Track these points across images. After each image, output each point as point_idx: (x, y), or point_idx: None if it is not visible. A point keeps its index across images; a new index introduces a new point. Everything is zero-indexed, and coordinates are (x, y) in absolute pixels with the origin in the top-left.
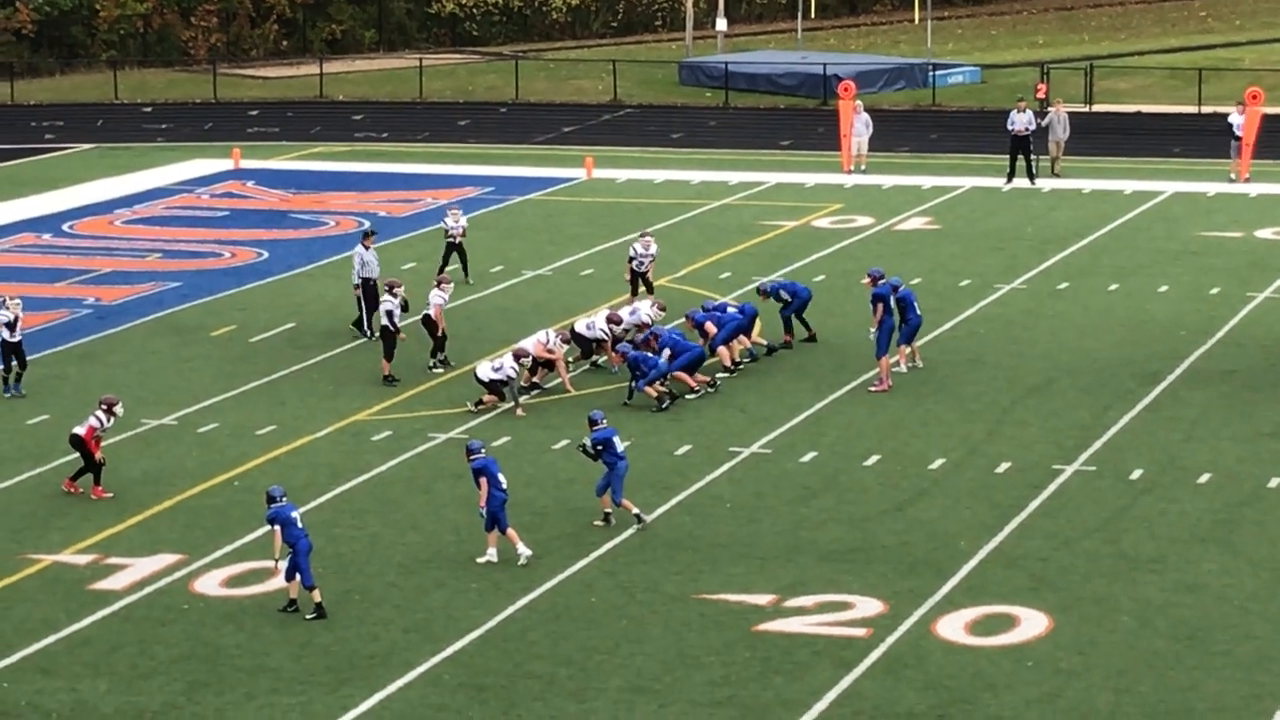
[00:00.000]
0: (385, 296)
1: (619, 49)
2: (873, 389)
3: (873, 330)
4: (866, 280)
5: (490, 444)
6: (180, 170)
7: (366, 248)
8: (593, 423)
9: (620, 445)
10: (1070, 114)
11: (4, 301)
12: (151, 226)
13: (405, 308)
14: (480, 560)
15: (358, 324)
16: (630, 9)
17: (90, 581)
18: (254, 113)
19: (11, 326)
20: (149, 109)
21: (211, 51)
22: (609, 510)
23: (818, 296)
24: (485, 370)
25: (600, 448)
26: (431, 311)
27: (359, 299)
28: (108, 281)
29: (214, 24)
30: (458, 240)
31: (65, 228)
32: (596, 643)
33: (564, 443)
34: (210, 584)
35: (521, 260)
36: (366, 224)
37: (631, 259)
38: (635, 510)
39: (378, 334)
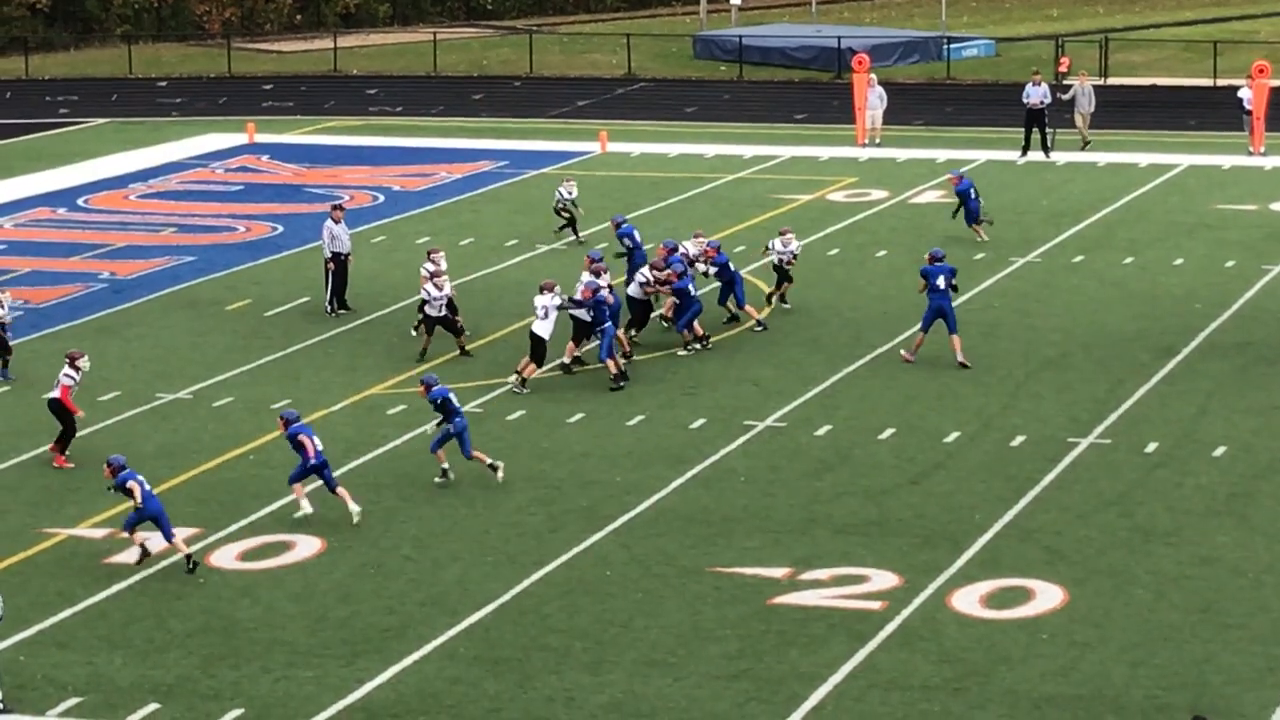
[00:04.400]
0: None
1: (633, 22)
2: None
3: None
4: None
5: (505, 418)
6: (195, 145)
7: (336, 221)
8: (427, 385)
9: (456, 401)
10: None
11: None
12: (166, 201)
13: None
14: (296, 515)
15: (333, 303)
16: None
17: (105, 555)
18: (268, 87)
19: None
20: (163, 84)
21: (226, 26)
22: (446, 465)
23: (832, 270)
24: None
25: (442, 403)
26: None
27: (327, 274)
28: (123, 256)
29: None
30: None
31: (80, 202)
32: (611, 616)
33: (579, 416)
34: (226, 557)
35: (535, 234)
36: (342, 198)
37: (768, 251)
38: (488, 460)
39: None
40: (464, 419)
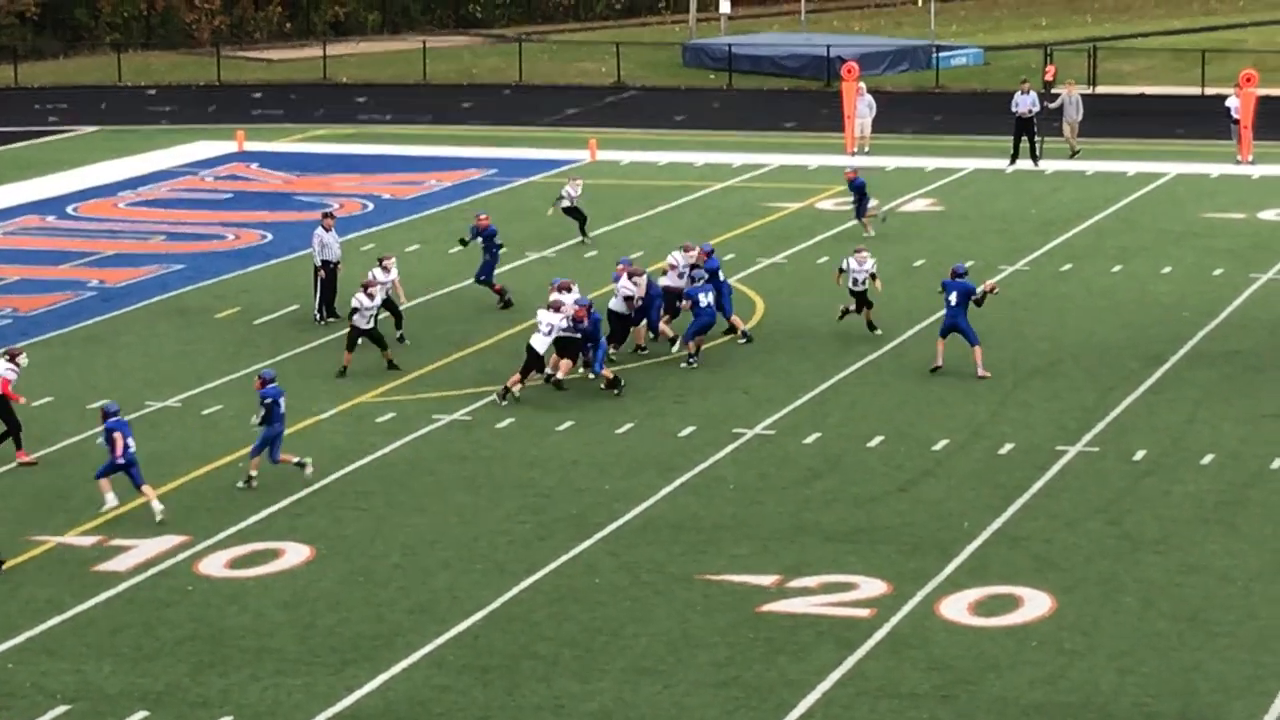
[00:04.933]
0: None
1: (623, 31)
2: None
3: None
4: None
5: (494, 426)
6: (184, 153)
7: (327, 229)
8: (264, 380)
9: (284, 408)
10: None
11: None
12: (155, 209)
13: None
14: (104, 509)
15: (322, 311)
16: None
17: (95, 563)
18: (258, 95)
19: None
20: (153, 92)
21: (215, 34)
22: (255, 473)
23: (821, 278)
24: (540, 341)
25: (271, 404)
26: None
27: (317, 282)
28: (112, 264)
29: (217, 6)
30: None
31: (69, 210)
32: (600, 624)
33: (568, 424)
34: (214, 565)
35: (525, 242)
36: (333, 205)
37: (843, 271)
38: (295, 460)
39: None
40: (283, 425)
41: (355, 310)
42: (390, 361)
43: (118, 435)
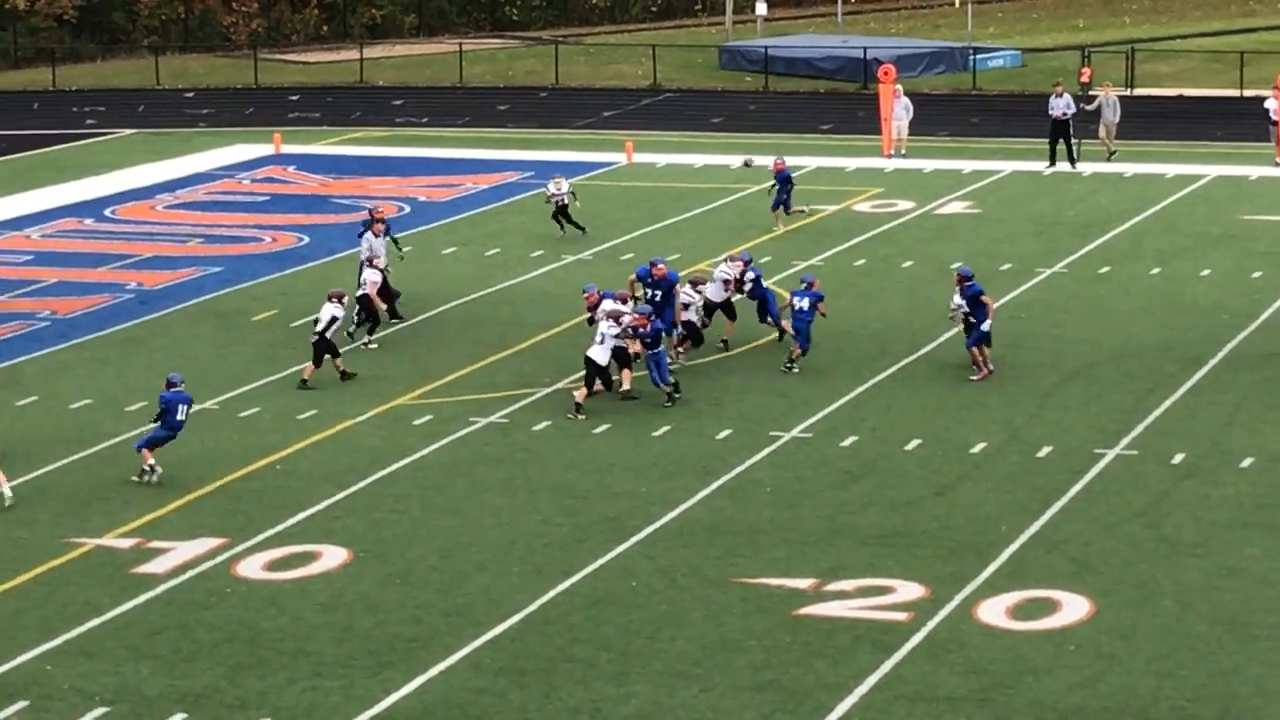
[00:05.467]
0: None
1: (659, 33)
2: (974, 379)
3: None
4: (956, 281)
5: (531, 428)
6: (221, 155)
7: (376, 234)
8: (170, 384)
9: (181, 415)
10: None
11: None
12: (193, 211)
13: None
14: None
15: (390, 311)
16: None
17: (133, 565)
18: (294, 98)
19: None
20: (190, 94)
21: (252, 37)
22: (152, 462)
23: (859, 281)
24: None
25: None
26: (369, 290)
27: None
28: (149, 266)
29: (254, 9)
30: (564, 204)
31: (107, 213)
32: (637, 627)
33: (605, 427)
34: (252, 567)
35: (561, 245)
36: (378, 208)
37: (957, 309)
38: (148, 464)
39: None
40: (173, 433)
41: (334, 320)
42: (343, 372)
43: (182, 408)
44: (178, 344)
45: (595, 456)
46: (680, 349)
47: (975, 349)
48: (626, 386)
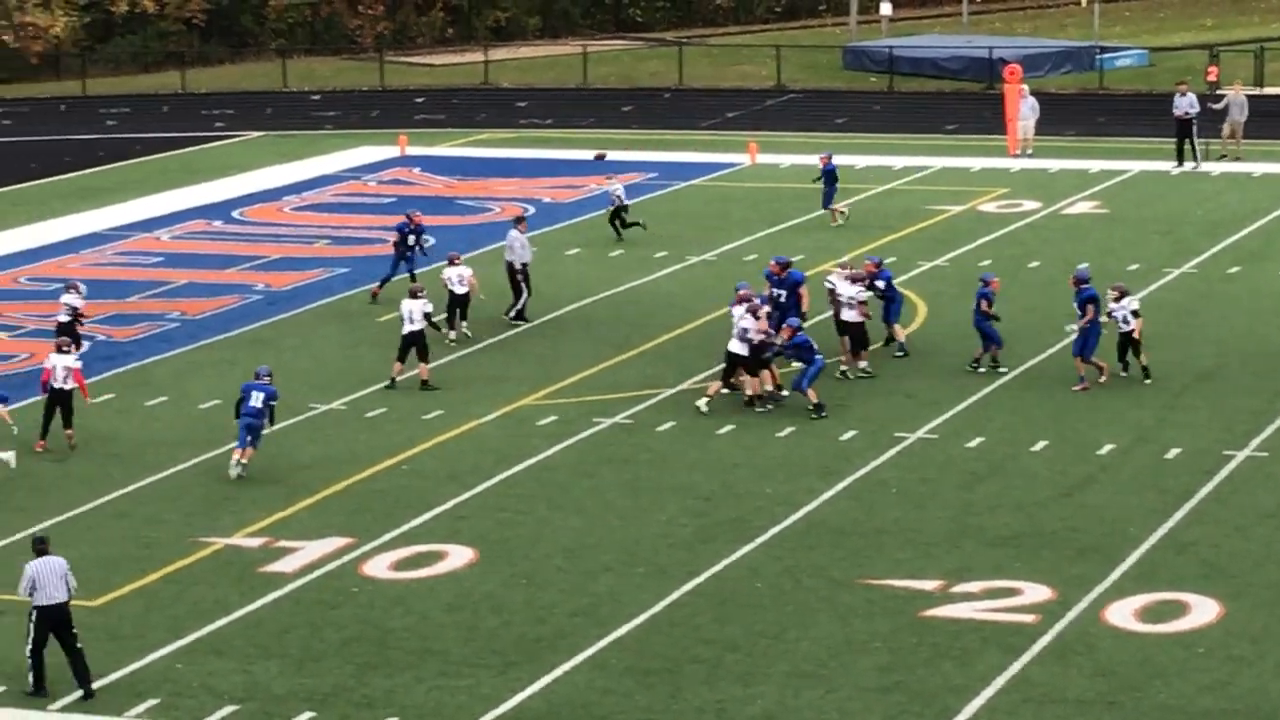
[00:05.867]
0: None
1: (783, 34)
2: (1075, 389)
3: (1072, 327)
4: (1072, 283)
5: (655, 429)
6: (347, 157)
7: (521, 232)
8: (256, 375)
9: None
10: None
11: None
12: (319, 213)
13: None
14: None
15: (517, 312)
16: None
17: (261, 564)
18: (420, 100)
19: (76, 310)
20: (317, 97)
21: (378, 39)
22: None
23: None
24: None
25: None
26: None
27: (514, 282)
28: (277, 268)
29: (381, 12)
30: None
31: (235, 214)
32: (762, 628)
33: (729, 428)
34: (379, 567)
35: (686, 246)
36: (528, 209)
37: (1110, 317)
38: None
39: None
40: (252, 420)
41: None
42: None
43: (256, 394)
44: (305, 345)
45: (720, 457)
46: (848, 358)
47: (1082, 358)
48: (749, 393)
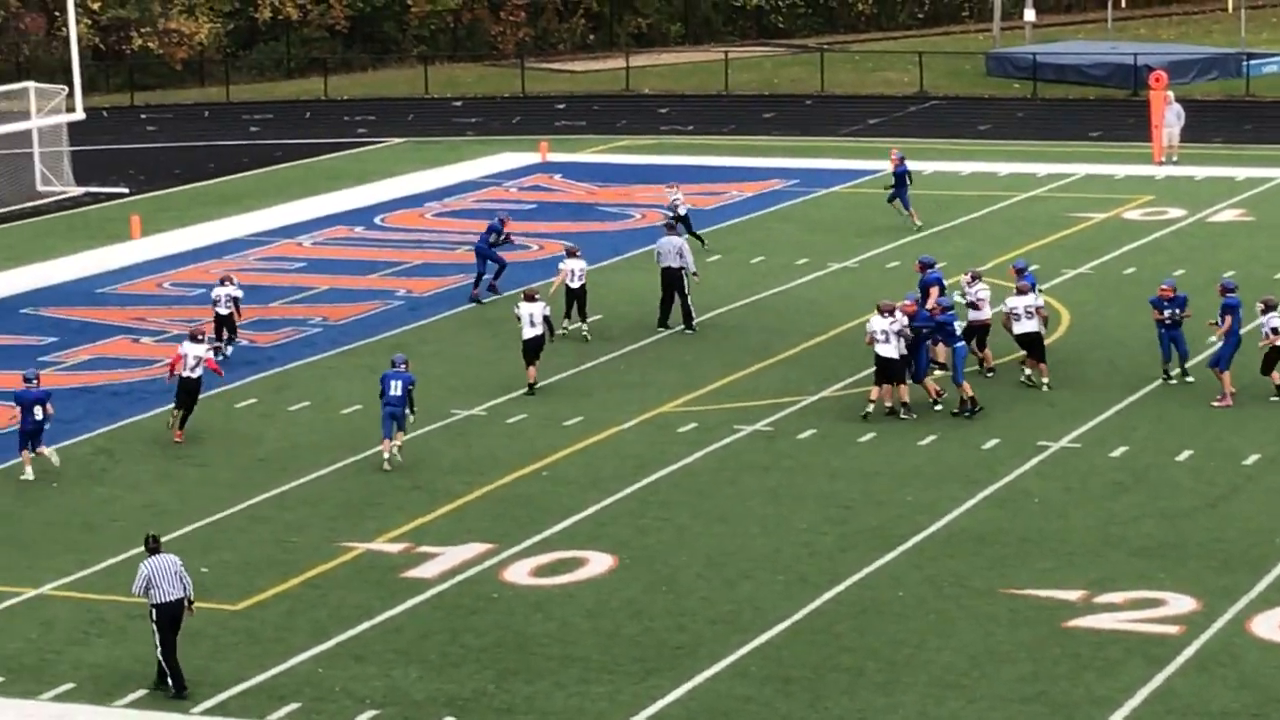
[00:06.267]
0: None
1: (925, 40)
2: (1215, 404)
3: (1215, 339)
4: (1219, 292)
5: (796, 436)
6: (489, 164)
7: (676, 235)
8: (393, 364)
9: (39, 415)
10: None
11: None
12: (461, 219)
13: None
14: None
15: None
16: (937, 0)
17: (402, 569)
18: (561, 106)
19: (235, 301)
20: (458, 103)
21: (520, 46)
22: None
23: (1129, 289)
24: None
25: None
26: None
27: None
28: (418, 274)
29: (522, 19)
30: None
31: (377, 220)
32: (904, 637)
33: (870, 435)
34: (519, 573)
35: (827, 253)
36: (670, 215)
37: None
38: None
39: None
40: (393, 408)
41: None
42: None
43: (395, 383)
44: (446, 350)
45: (861, 465)
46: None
47: (1217, 369)
48: (889, 403)
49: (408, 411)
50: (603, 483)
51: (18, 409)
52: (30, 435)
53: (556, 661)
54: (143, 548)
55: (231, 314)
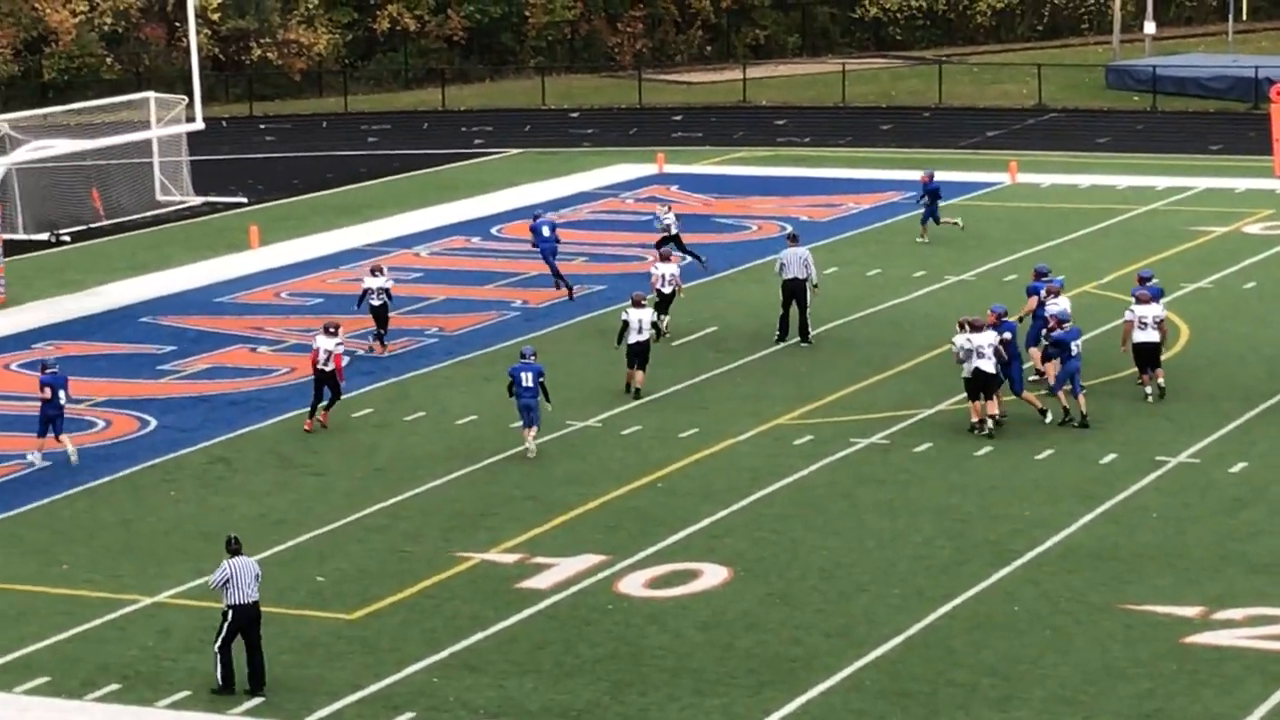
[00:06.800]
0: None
1: (1044, 52)
2: None
3: None
4: None
5: (912, 450)
6: (605, 175)
7: (796, 246)
8: (521, 355)
9: (61, 397)
10: None
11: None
12: (577, 230)
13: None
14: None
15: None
16: (1056, 12)
17: (516, 580)
18: (678, 118)
19: (386, 292)
20: (575, 114)
21: (637, 57)
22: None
23: (1249, 304)
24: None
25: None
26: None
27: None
28: (535, 284)
29: (640, 30)
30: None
31: (494, 231)
32: (1020, 652)
33: (987, 449)
34: (634, 584)
35: (944, 266)
36: (785, 227)
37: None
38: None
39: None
40: (526, 401)
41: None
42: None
43: (525, 375)
44: (562, 361)
45: (977, 479)
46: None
47: None
48: (975, 419)
49: (544, 400)
50: (717, 495)
51: (47, 390)
52: (51, 420)
53: (670, 674)
54: (250, 556)
55: (384, 305)
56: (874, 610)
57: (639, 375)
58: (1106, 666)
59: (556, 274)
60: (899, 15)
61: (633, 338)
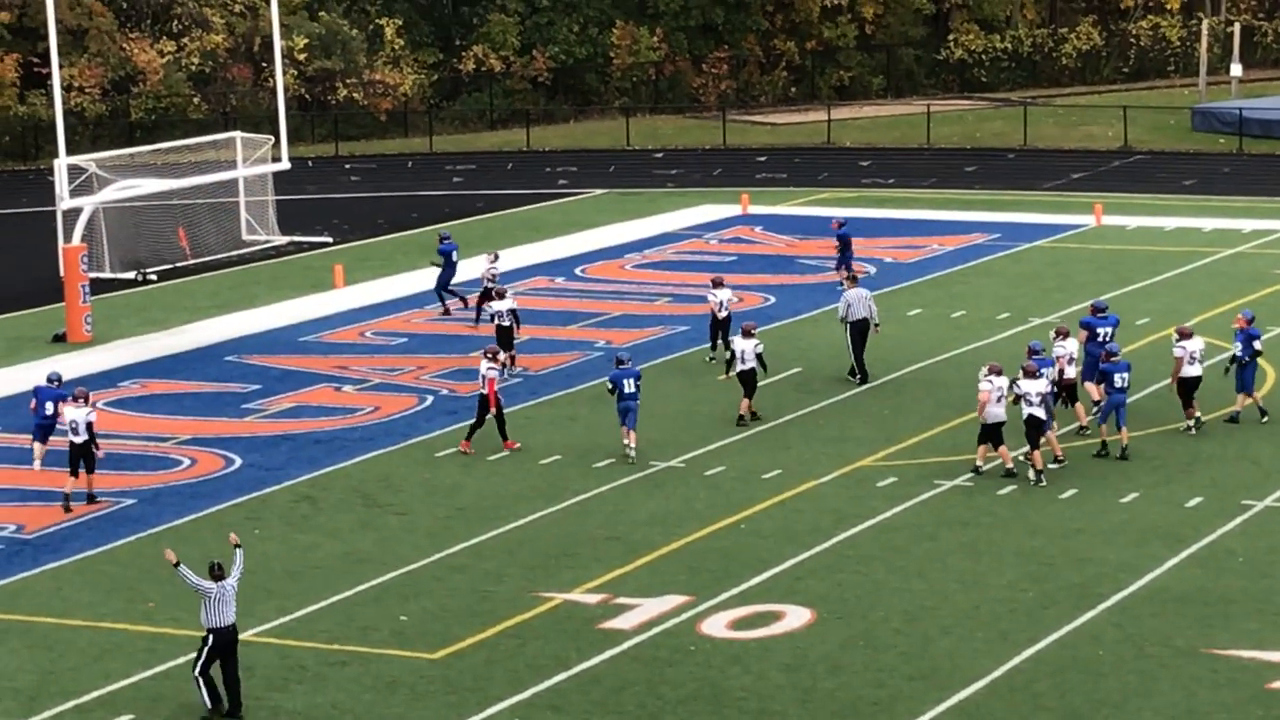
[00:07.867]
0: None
1: (1130, 94)
2: None
3: None
4: None
5: (996, 492)
6: (689, 215)
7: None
8: (619, 361)
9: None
10: None
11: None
12: (660, 271)
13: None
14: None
15: (853, 371)
16: (1142, 54)
17: (599, 621)
18: (762, 159)
19: (513, 314)
20: (659, 155)
21: (721, 98)
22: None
23: None
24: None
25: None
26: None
27: (849, 340)
28: (618, 325)
29: (724, 71)
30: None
31: (577, 271)
32: (1104, 696)
33: (1071, 492)
34: (716, 625)
35: (1029, 308)
36: (869, 269)
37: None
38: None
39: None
40: (627, 403)
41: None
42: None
43: (628, 381)
44: (644, 402)
45: (1061, 522)
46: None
47: None
48: (1036, 463)
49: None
50: (800, 536)
51: (34, 400)
52: (43, 430)
53: (753, 715)
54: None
55: (511, 326)
56: (957, 653)
57: (744, 403)
58: (1192, 711)
59: (446, 296)
60: (984, 57)
61: (739, 366)
